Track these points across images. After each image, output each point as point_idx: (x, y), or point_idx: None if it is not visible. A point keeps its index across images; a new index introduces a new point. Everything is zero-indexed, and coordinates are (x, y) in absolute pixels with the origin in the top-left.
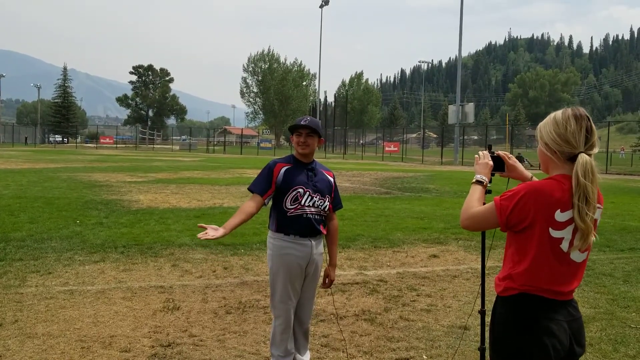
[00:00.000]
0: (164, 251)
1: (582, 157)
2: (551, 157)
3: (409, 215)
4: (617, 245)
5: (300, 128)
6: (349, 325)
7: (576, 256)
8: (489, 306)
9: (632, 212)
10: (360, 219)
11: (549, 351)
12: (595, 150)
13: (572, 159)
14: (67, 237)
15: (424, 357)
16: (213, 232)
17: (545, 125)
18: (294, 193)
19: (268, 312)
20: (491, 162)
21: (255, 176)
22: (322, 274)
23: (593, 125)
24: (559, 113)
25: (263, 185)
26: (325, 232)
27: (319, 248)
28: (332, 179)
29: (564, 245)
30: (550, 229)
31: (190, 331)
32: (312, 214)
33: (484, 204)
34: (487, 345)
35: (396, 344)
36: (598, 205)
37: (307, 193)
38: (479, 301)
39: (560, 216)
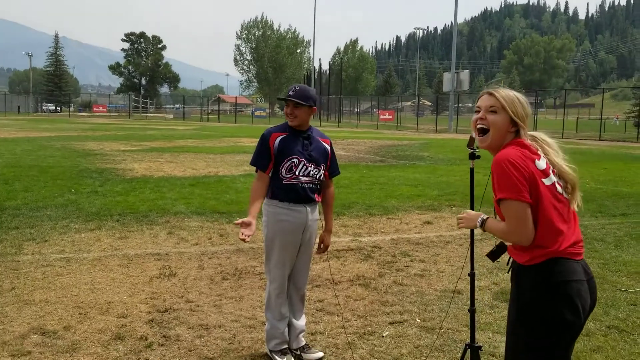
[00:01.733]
0: (159, 219)
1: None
2: (510, 130)
3: (403, 183)
4: (609, 210)
5: (288, 99)
6: (344, 290)
7: (561, 190)
8: (480, 270)
9: (624, 178)
10: (355, 186)
11: (579, 311)
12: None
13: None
14: (63, 206)
15: (417, 320)
16: (248, 230)
17: (517, 105)
18: (289, 163)
19: (264, 277)
20: (469, 212)
21: (255, 147)
22: (317, 240)
23: None
24: (520, 96)
25: (264, 160)
26: (320, 199)
27: (314, 214)
28: (328, 147)
29: (559, 189)
30: (542, 179)
31: (186, 297)
32: (306, 183)
33: (472, 168)
34: (480, 307)
35: (390, 307)
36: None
37: (302, 163)
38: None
39: (539, 164)
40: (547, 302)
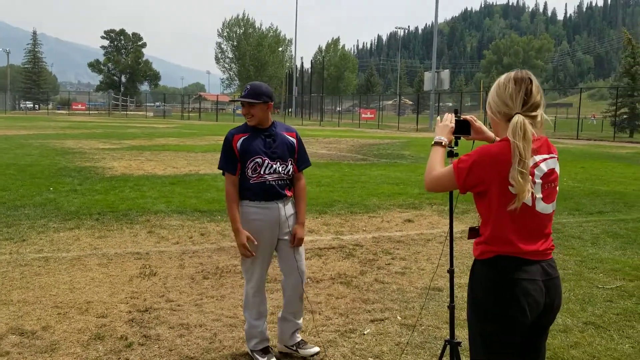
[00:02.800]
0: (139, 218)
1: (515, 118)
2: (495, 119)
3: (384, 181)
4: (586, 208)
5: (240, 100)
6: (326, 288)
7: (542, 207)
8: (460, 267)
9: (601, 177)
10: (337, 185)
11: (524, 309)
12: (538, 112)
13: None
14: (41, 205)
15: (399, 317)
16: (244, 249)
17: (492, 89)
18: (253, 163)
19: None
20: (452, 124)
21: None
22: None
23: (536, 87)
24: (503, 76)
25: (231, 162)
26: (291, 194)
27: (287, 209)
28: (293, 140)
29: (528, 200)
30: (509, 187)
31: (167, 296)
32: (274, 181)
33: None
34: (459, 304)
35: (371, 305)
36: (550, 155)
37: (266, 161)
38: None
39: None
40: (493, 297)
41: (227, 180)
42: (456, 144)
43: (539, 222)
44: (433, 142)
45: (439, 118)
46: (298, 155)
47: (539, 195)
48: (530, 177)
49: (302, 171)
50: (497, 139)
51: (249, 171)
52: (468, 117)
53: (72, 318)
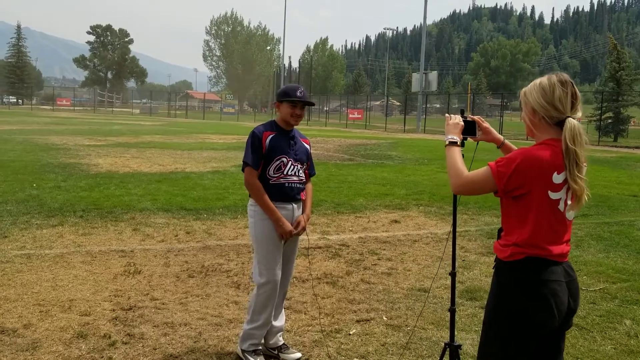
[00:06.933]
0: (124, 215)
1: (570, 122)
2: (539, 122)
3: (371, 182)
4: None
5: (297, 100)
6: (311, 288)
7: (569, 214)
8: (446, 269)
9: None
10: (324, 185)
11: (553, 311)
12: (579, 113)
13: (559, 123)
14: (24, 201)
15: (384, 318)
16: (290, 235)
17: (532, 92)
18: (277, 162)
19: (231, 275)
20: (462, 123)
21: (245, 146)
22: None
23: (577, 90)
24: (544, 79)
25: (257, 158)
26: (304, 197)
27: (299, 211)
28: (308, 147)
29: (561, 206)
30: (549, 191)
31: (151, 295)
32: (293, 183)
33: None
34: (446, 305)
35: (357, 305)
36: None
37: (290, 162)
38: (436, 264)
39: (557, 178)
40: (521, 299)
41: (251, 174)
42: (462, 144)
43: (565, 227)
44: (447, 143)
45: (447, 116)
46: (309, 162)
47: (570, 202)
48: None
49: (309, 179)
50: (506, 140)
51: (271, 171)
52: (475, 117)
53: (55, 316)
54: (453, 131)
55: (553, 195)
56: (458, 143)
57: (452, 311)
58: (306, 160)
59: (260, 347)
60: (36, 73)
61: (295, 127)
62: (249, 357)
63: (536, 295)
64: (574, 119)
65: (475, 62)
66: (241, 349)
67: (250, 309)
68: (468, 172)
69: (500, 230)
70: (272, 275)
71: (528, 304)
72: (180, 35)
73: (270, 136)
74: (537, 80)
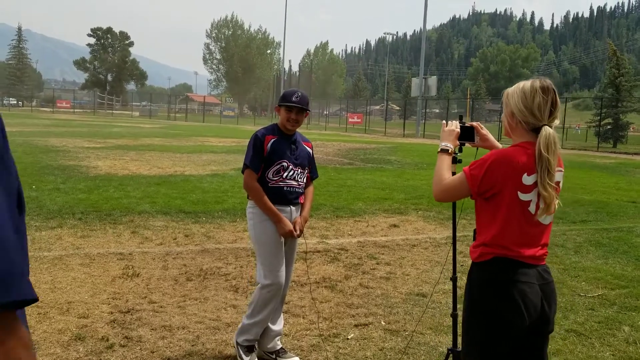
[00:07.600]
0: (123, 218)
1: (546, 130)
2: (516, 126)
3: (370, 186)
4: (570, 217)
5: (292, 105)
6: (310, 292)
7: (545, 219)
8: (445, 273)
9: (584, 186)
10: (323, 188)
11: (521, 311)
12: (557, 121)
13: (536, 129)
14: None
15: (382, 323)
16: (292, 234)
17: (514, 95)
18: (278, 166)
19: (229, 279)
20: (457, 130)
21: (246, 148)
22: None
23: (558, 97)
24: (527, 84)
25: (258, 161)
26: (302, 201)
27: (297, 214)
28: (310, 150)
29: (532, 208)
30: (518, 192)
31: (150, 298)
32: (292, 187)
33: (454, 173)
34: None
35: (355, 310)
36: (559, 168)
37: (290, 167)
38: (437, 269)
39: (527, 179)
40: (489, 299)
41: (251, 177)
42: (460, 150)
43: (539, 230)
44: (439, 150)
45: (444, 122)
46: (311, 166)
47: (542, 205)
48: (555, 188)
49: (312, 181)
50: (500, 145)
51: (271, 174)
52: (474, 123)
53: (53, 318)
54: (447, 138)
55: (523, 197)
56: (450, 151)
57: (454, 316)
58: (307, 164)
59: (254, 345)
60: (36, 75)
61: (297, 130)
62: (241, 352)
63: (505, 295)
64: (550, 127)
65: (474, 67)
66: (236, 341)
67: (252, 305)
68: (449, 179)
69: (475, 233)
70: (276, 278)
71: (499, 304)
72: (181, 38)
73: (272, 140)
74: (521, 84)
